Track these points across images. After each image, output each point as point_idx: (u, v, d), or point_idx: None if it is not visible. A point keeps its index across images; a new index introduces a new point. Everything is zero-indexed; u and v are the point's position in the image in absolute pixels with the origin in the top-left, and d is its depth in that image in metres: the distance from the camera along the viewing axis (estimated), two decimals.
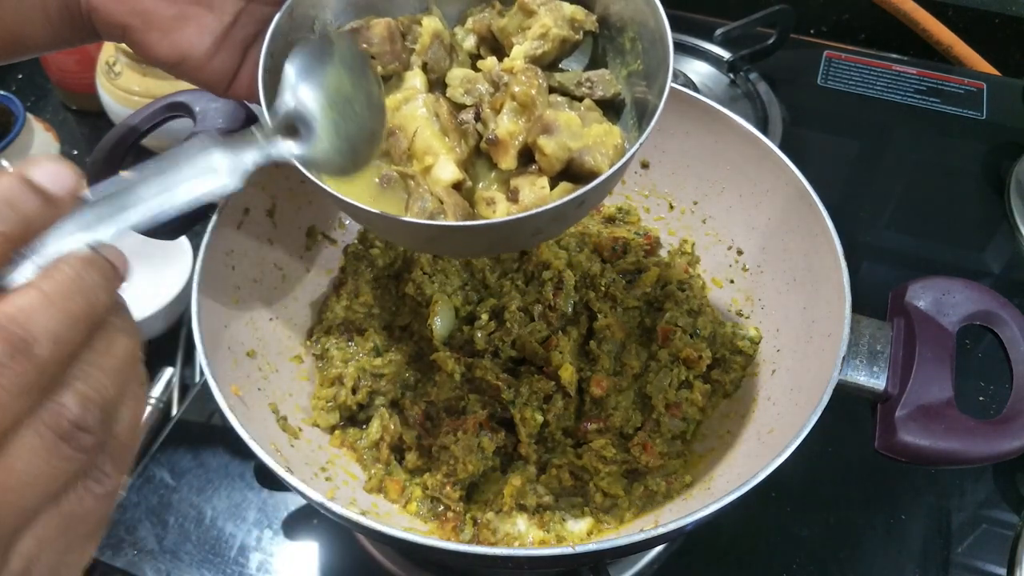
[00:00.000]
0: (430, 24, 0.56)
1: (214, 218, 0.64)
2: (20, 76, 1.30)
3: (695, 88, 1.12)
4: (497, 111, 0.54)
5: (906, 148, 1.11)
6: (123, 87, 1.05)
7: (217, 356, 0.60)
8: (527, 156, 0.53)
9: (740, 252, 0.75)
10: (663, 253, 0.79)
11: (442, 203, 0.51)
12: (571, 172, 0.52)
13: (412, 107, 0.54)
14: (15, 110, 1.03)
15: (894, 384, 0.55)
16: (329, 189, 0.48)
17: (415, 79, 0.55)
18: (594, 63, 0.59)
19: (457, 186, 0.53)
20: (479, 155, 0.55)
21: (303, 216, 0.75)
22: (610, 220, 0.82)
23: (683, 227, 0.79)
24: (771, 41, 1.17)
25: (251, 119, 0.70)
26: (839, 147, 1.12)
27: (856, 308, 0.57)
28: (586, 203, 0.52)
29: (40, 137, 1.07)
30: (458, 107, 0.56)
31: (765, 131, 1.06)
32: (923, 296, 0.59)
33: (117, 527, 0.73)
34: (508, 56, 0.56)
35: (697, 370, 0.69)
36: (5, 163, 1.03)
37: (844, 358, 0.55)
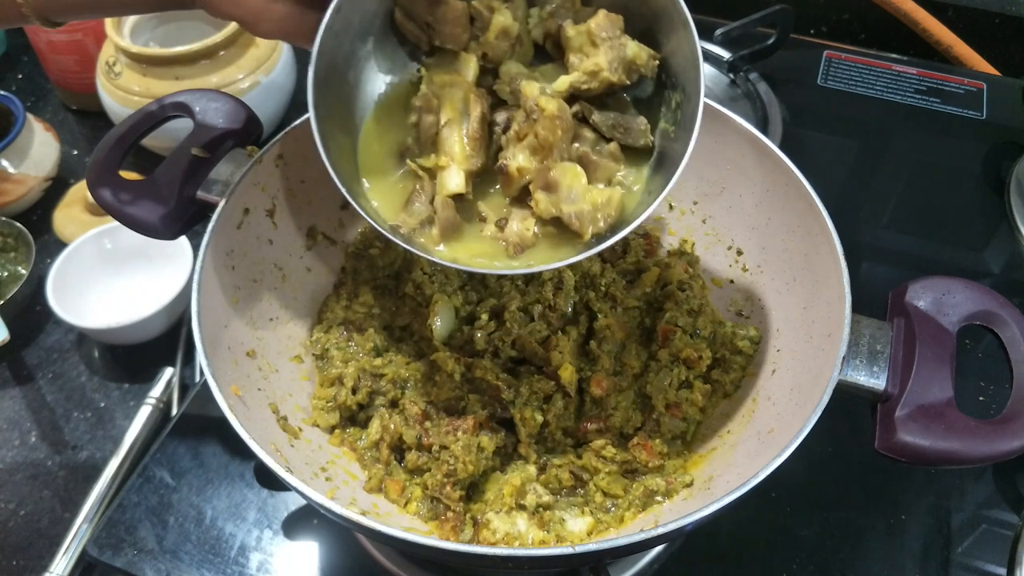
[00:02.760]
0: (500, 20, 0.57)
1: (214, 218, 0.64)
2: (20, 76, 1.29)
3: None
4: (521, 139, 0.56)
5: (906, 148, 1.11)
6: (123, 87, 1.04)
7: (217, 356, 0.60)
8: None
9: (740, 252, 0.75)
10: (663, 253, 0.79)
11: (434, 214, 0.56)
12: (561, 222, 0.55)
13: (454, 93, 0.57)
14: (15, 110, 1.03)
15: (894, 384, 0.55)
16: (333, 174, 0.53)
17: (469, 65, 0.58)
18: (647, 101, 0.59)
19: (460, 195, 0.57)
20: (493, 163, 0.58)
21: (303, 216, 0.75)
22: None
23: (683, 227, 0.79)
24: (771, 41, 1.17)
25: (251, 119, 0.70)
26: (839, 147, 1.12)
27: (856, 308, 0.57)
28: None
29: (40, 137, 1.07)
30: (499, 100, 0.59)
31: (765, 131, 1.06)
32: (923, 296, 0.58)
33: (117, 527, 0.73)
34: (566, 62, 0.58)
35: (697, 370, 0.69)
36: (5, 163, 1.03)
37: (844, 358, 0.55)
